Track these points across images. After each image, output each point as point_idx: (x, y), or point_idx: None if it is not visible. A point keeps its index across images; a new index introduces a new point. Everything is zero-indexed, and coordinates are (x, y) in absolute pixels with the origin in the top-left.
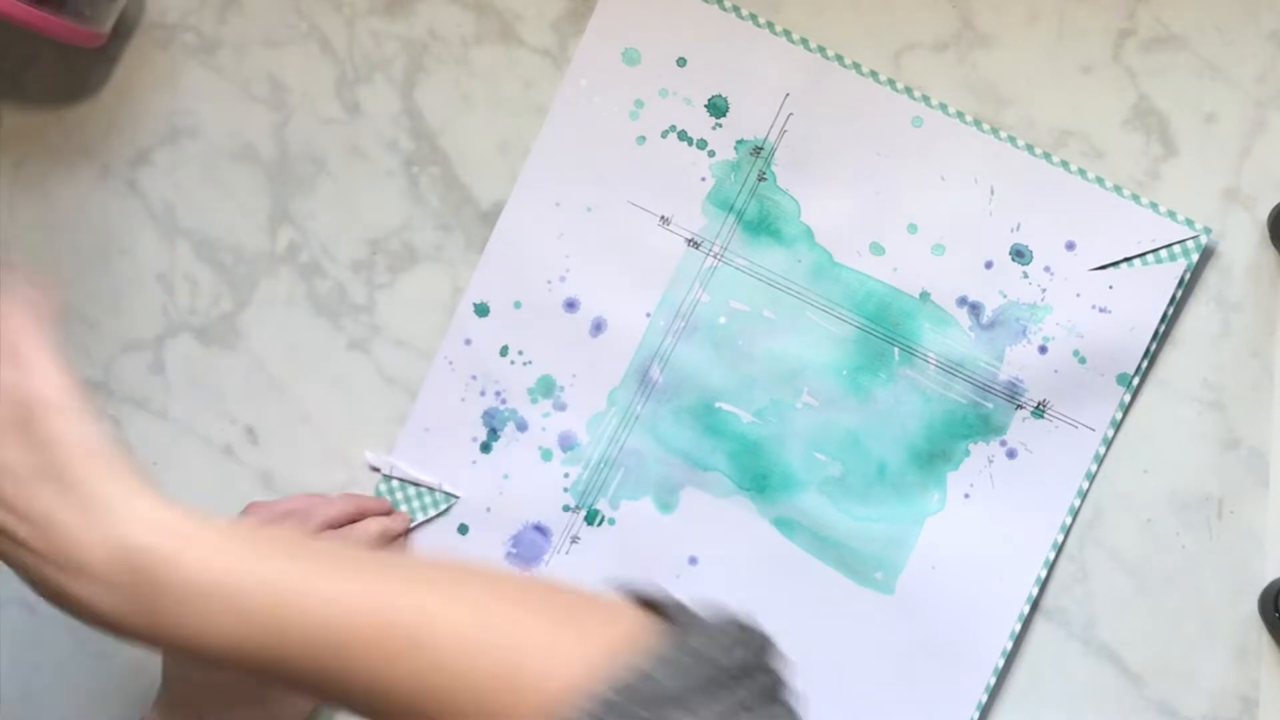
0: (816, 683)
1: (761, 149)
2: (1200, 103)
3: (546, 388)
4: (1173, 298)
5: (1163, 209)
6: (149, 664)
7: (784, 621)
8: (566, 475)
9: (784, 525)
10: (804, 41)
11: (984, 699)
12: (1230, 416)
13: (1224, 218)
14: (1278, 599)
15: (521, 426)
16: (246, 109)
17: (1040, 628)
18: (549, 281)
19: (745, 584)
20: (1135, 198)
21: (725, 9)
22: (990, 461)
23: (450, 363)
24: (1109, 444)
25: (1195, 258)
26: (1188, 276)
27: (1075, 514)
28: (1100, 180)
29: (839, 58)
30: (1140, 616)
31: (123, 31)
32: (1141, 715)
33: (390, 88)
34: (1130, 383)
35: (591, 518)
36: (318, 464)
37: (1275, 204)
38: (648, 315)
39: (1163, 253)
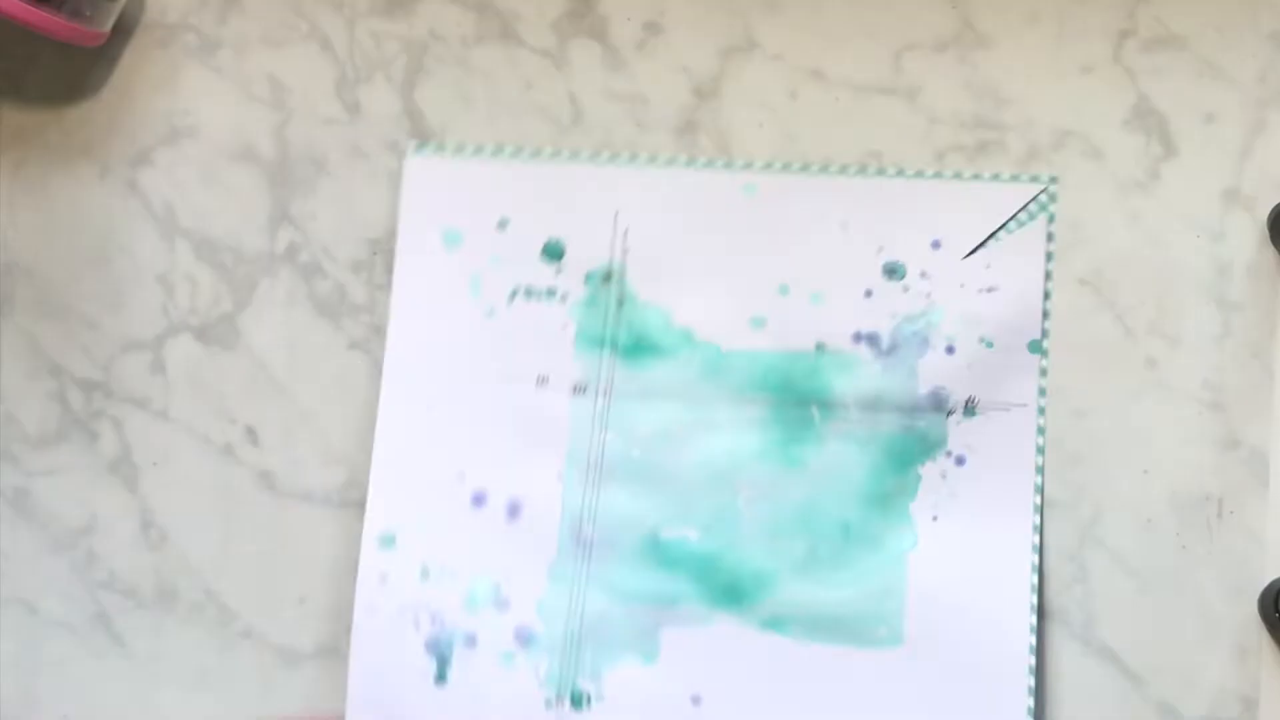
0: None
1: (610, 274)
2: (1200, 103)
3: (482, 593)
4: (1049, 254)
5: (1005, 176)
6: (150, 663)
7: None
8: (537, 670)
9: (774, 625)
10: (623, 158)
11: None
12: (1230, 416)
13: (1224, 218)
14: (1278, 599)
15: (470, 642)
16: (246, 109)
17: (1040, 628)
18: (447, 485)
19: (755, 701)
20: (976, 176)
21: (527, 160)
22: (944, 477)
23: (372, 608)
24: (1044, 413)
25: (1052, 208)
26: (1053, 229)
27: (1041, 493)
28: (939, 174)
29: (653, 159)
30: (1140, 616)
31: (123, 31)
32: (1141, 715)
33: (390, 88)
34: (1042, 347)
35: (578, 701)
36: (318, 464)
37: (1275, 204)
38: (560, 478)
39: (1021, 216)
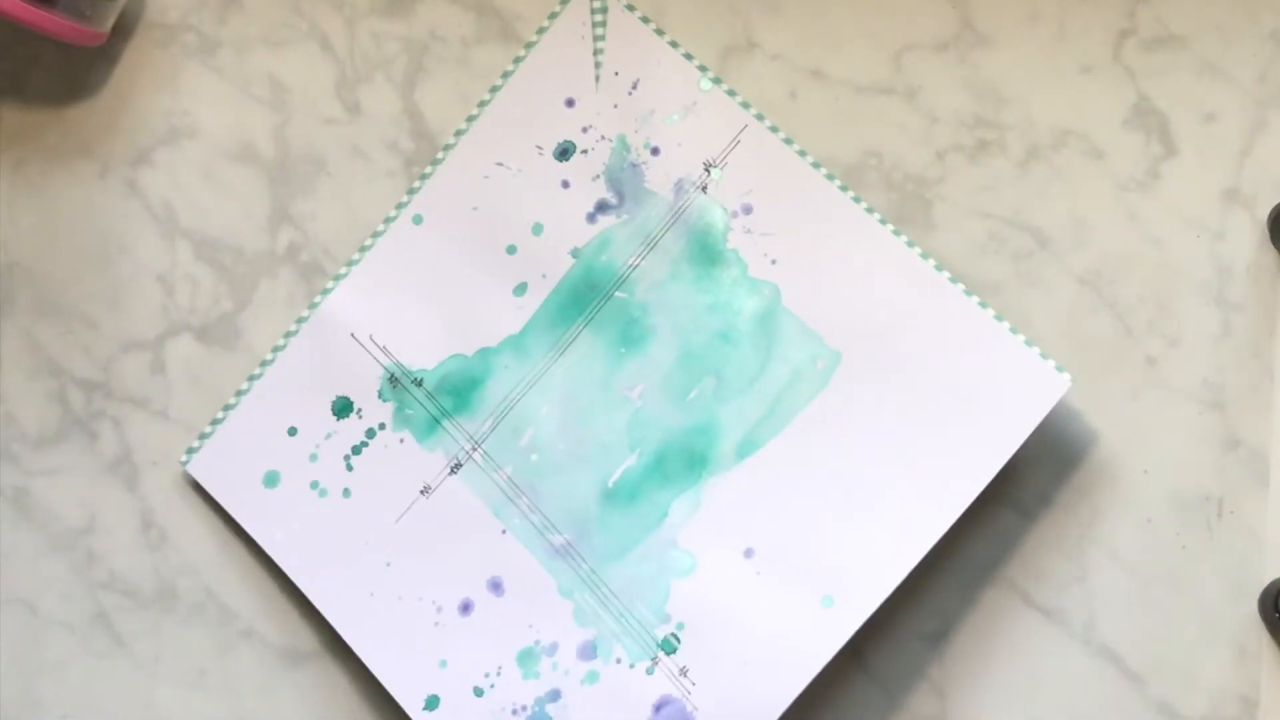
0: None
1: (394, 377)
2: (1200, 103)
3: (532, 655)
4: (626, 6)
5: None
6: (149, 663)
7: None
8: (624, 658)
9: (744, 451)
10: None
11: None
12: (1230, 416)
13: (1224, 218)
14: (1278, 599)
15: (555, 696)
16: (246, 109)
17: (1040, 628)
18: (432, 619)
19: (790, 514)
20: (521, 55)
21: (264, 375)
22: (749, 231)
23: None
24: (764, 117)
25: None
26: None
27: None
28: (482, 104)
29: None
30: (1140, 616)
31: (123, 31)
32: (1141, 715)
33: (390, 88)
34: (706, 79)
35: (669, 647)
36: None
37: (1275, 204)
38: (505, 532)
39: (596, 25)
